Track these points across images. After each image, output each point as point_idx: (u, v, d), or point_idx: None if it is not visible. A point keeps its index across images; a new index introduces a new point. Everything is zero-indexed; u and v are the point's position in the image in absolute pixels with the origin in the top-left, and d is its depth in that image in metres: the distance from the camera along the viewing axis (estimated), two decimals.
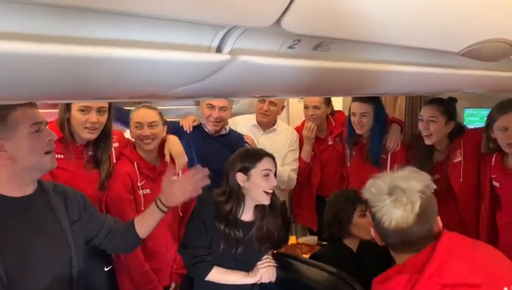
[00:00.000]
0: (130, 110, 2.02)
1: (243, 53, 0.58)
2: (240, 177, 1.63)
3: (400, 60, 0.88)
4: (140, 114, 1.94)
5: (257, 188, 1.62)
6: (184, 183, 1.42)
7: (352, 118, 2.38)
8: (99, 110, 1.73)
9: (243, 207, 1.66)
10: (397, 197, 1.07)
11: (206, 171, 1.47)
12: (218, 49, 0.57)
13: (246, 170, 1.62)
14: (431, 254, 1.03)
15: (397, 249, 1.13)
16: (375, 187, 1.10)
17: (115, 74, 0.50)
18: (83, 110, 1.70)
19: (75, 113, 1.71)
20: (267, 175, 1.62)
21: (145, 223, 1.45)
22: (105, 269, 1.87)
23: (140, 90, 0.62)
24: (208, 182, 1.47)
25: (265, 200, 1.64)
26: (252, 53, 0.60)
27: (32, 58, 0.46)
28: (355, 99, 2.38)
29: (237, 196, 1.64)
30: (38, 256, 1.23)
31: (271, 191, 1.64)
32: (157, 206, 1.43)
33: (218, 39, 0.56)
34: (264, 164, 1.63)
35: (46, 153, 1.24)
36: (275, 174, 1.67)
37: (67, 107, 1.73)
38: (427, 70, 0.98)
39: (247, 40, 0.58)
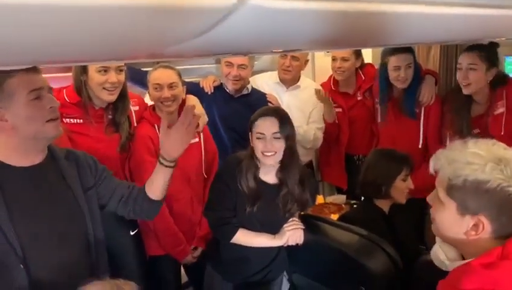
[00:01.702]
0: (146, 72, 1.94)
1: None
2: (250, 136, 1.59)
3: (450, 1, 0.74)
4: (159, 75, 1.87)
5: (256, 150, 1.56)
6: (179, 130, 1.34)
7: (394, 74, 2.20)
8: (118, 70, 1.67)
9: (264, 169, 1.60)
10: None
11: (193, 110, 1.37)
12: None
13: (251, 129, 1.58)
14: None
15: (500, 237, 0.92)
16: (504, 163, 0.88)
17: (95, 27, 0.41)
18: (102, 71, 1.64)
19: (94, 75, 1.65)
20: (259, 138, 1.54)
21: (154, 184, 1.40)
22: (131, 233, 1.88)
23: (129, 46, 0.52)
24: (195, 124, 1.39)
25: (266, 161, 1.55)
26: None
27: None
28: (393, 51, 2.19)
29: (255, 156, 1.58)
30: (51, 225, 1.21)
31: (270, 154, 1.54)
32: (161, 163, 1.37)
33: None
34: (259, 126, 1.54)
35: (48, 121, 1.17)
36: (290, 137, 1.55)
37: (84, 70, 1.67)
38: (480, 12, 0.83)
39: None
